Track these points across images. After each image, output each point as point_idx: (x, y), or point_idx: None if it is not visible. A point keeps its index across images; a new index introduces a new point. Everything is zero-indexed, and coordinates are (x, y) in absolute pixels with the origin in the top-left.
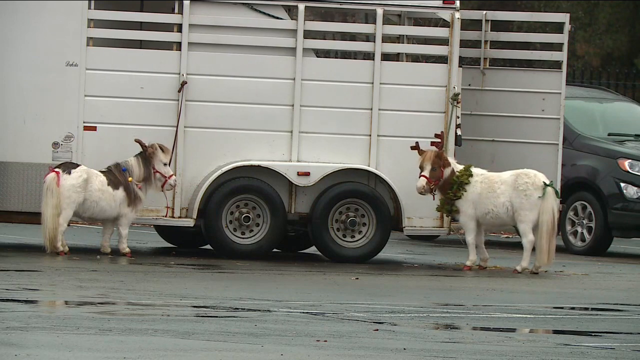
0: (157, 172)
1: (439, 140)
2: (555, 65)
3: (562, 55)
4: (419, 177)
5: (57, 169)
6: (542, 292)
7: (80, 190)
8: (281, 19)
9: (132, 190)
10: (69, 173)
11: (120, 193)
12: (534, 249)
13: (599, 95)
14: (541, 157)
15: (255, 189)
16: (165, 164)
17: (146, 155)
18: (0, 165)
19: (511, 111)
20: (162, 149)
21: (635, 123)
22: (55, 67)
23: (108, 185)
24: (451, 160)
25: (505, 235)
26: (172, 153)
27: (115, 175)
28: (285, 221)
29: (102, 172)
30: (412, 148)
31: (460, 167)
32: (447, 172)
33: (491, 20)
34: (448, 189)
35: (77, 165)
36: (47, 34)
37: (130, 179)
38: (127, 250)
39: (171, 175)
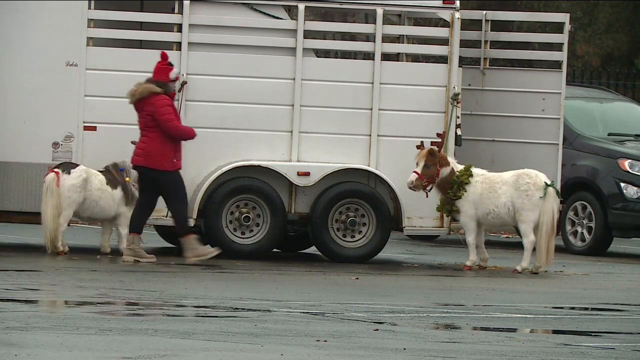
0: None
1: (440, 139)
2: (555, 65)
3: (562, 55)
4: (411, 173)
5: (56, 169)
6: (542, 292)
7: (80, 190)
8: (281, 19)
9: (130, 190)
10: (69, 173)
11: (118, 192)
12: (534, 249)
13: (599, 95)
14: (541, 157)
15: (255, 189)
16: None
17: None
18: (0, 165)
19: (511, 111)
20: None
21: (635, 123)
22: (55, 67)
23: (107, 184)
24: (451, 160)
25: (505, 235)
26: None
27: (114, 174)
28: (285, 221)
29: (100, 171)
30: (418, 147)
31: (461, 167)
32: (445, 171)
33: (491, 20)
34: (448, 188)
35: (77, 165)
36: (47, 34)
37: (127, 179)
38: None
39: None
